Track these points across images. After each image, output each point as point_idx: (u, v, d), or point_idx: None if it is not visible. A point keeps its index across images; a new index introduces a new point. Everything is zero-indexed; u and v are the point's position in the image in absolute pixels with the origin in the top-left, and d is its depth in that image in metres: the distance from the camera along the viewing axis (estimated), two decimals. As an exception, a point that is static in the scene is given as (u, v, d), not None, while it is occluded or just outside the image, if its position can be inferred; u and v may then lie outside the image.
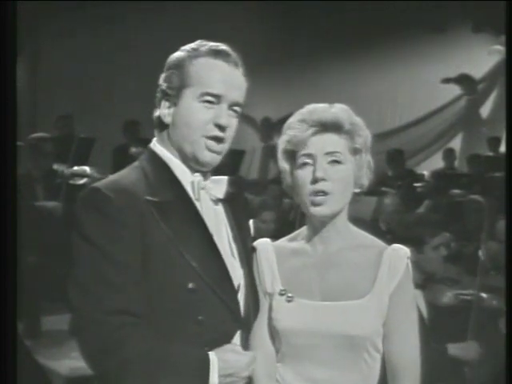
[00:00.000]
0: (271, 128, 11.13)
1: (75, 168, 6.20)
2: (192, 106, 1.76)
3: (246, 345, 1.82)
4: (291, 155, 1.87)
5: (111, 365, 1.63)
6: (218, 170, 1.87)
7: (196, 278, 1.70)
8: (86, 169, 6.20)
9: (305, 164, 1.83)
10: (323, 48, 11.00)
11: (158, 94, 1.81)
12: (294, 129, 1.84)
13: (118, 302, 1.64)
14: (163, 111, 1.79)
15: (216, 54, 1.78)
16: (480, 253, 4.61)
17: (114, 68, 9.62)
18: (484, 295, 3.54)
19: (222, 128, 1.76)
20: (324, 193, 1.80)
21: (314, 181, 1.80)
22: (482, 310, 3.45)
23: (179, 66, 1.78)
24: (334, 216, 1.85)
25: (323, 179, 1.79)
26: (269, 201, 5.10)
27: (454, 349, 3.24)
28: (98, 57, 9.69)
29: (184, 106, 1.76)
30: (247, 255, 1.88)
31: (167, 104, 1.79)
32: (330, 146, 1.82)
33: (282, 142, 1.88)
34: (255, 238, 1.97)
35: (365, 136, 1.86)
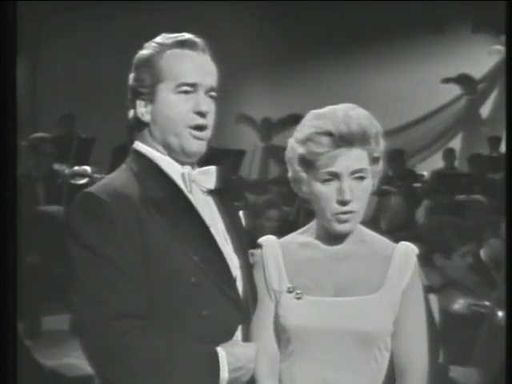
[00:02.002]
0: (271, 128, 11.15)
1: (76, 168, 6.21)
2: (170, 99, 1.76)
3: (247, 338, 1.81)
4: (309, 164, 1.79)
5: (120, 368, 1.61)
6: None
7: (197, 271, 1.70)
8: (87, 168, 6.21)
9: (328, 180, 1.77)
10: (323, 48, 10.99)
11: (130, 95, 1.81)
12: (316, 142, 1.76)
13: (123, 305, 1.62)
14: (140, 110, 1.79)
15: (182, 44, 1.79)
16: (481, 253, 4.61)
17: (113, 68, 9.61)
18: (499, 312, 3.46)
19: (202, 115, 1.76)
20: (351, 212, 1.78)
21: (342, 203, 1.76)
22: (494, 326, 3.38)
23: (148, 62, 1.79)
24: None
25: (351, 200, 1.77)
26: (273, 199, 5.13)
27: (455, 372, 3.20)
28: (98, 57, 9.70)
29: (161, 100, 1.77)
30: (241, 246, 1.87)
31: (143, 103, 1.79)
32: (357, 164, 1.77)
33: (299, 151, 1.79)
34: (247, 230, 1.95)
35: (382, 143, 1.82)
